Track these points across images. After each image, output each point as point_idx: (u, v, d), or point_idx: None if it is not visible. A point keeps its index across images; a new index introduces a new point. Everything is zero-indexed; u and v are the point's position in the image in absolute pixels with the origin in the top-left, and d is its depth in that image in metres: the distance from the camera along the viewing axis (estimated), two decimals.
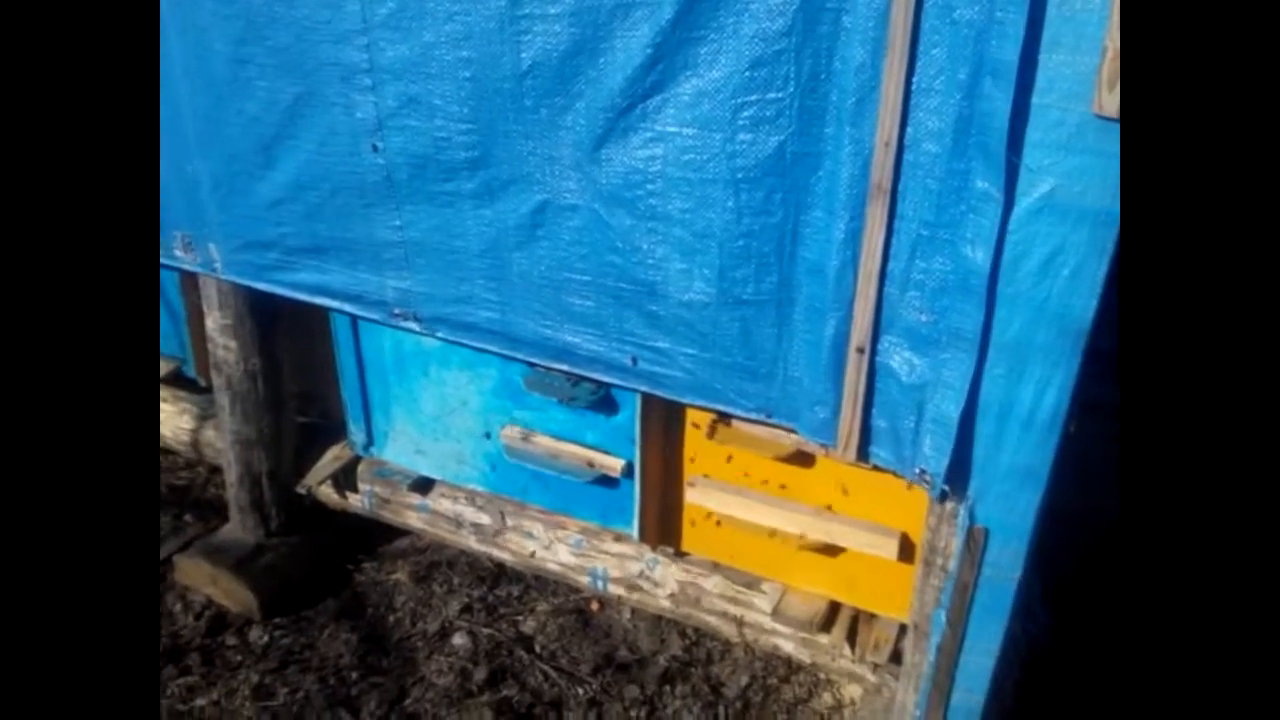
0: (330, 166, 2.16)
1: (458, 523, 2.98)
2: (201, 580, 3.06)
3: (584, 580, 2.84)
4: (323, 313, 2.67)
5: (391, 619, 3.05)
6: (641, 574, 2.73)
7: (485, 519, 2.93)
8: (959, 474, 1.77)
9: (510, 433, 2.72)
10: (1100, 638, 2.88)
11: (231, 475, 3.05)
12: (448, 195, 2.07)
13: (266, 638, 2.95)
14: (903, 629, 2.42)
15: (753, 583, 2.62)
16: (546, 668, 2.85)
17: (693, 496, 2.53)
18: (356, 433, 3.06)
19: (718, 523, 2.58)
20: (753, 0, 1.60)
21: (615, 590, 2.80)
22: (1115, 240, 1.48)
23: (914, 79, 1.54)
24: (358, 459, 3.11)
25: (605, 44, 1.74)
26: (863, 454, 1.91)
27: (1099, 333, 1.57)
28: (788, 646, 2.62)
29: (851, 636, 2.50)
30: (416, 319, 2.28)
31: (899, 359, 1.78)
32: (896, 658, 2.40)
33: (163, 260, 2.57)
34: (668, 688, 2.80)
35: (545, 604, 3.09)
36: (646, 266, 1.93)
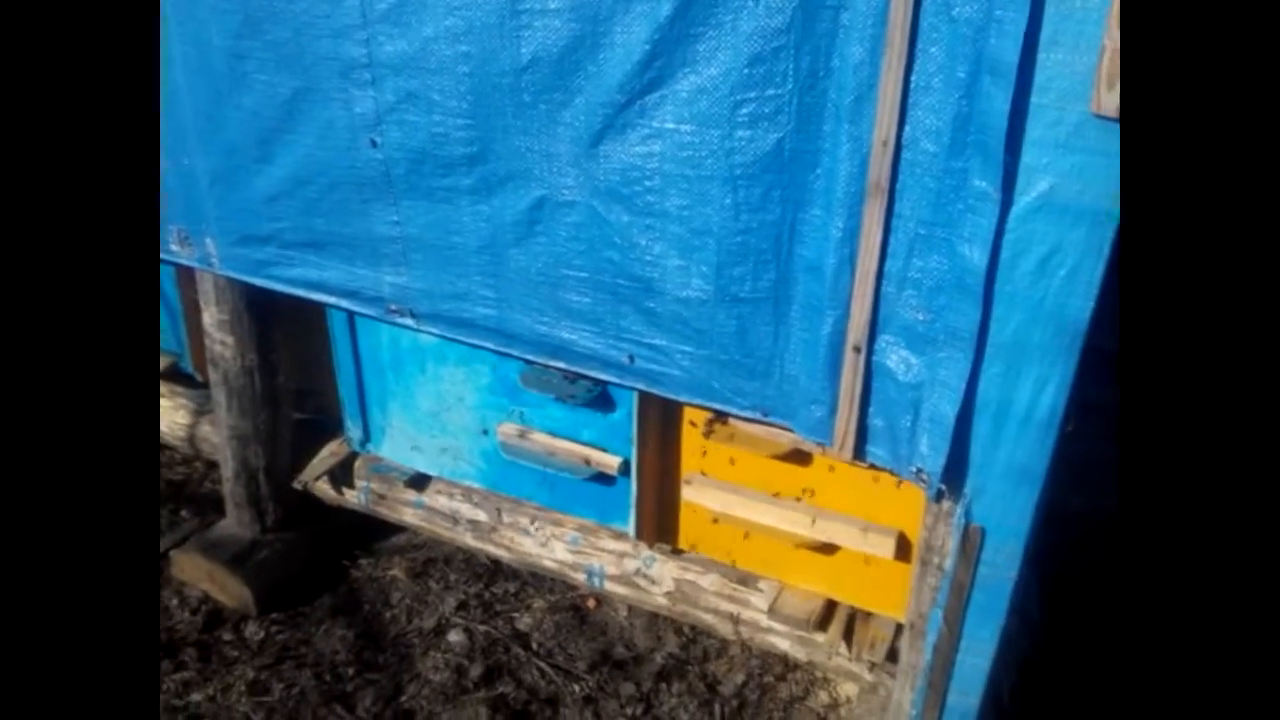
0: (328, 161, 2.15)
1: (454, 519, 2.97)
2: (198, 575, 3.06)
3: (580, 577, 2.83)
4: (320, 309, 2.67)
5: (387, 615, 3.05)
6: (638, 571, 2.73)
7: (481, 515, 2.93)
8: (955, 473, 1.77)
9: (507, 429, 2.71)
10: (1098, 639, 2.88)
11: (228, 471, 3.04)
12: (445, 190, 2.06)
13: (262, 633, 2.95)
14: (899, 628, 2.42)
15: (749, 580, 2.62)
16: (542, 665, 2.85)
17: (689, 494, 2.53)
18: (353, 429, 3.05)
19: (714, 520, 2.57)
20: None
21: (612, 587, 2.80)
22: (1113, 240, 1.47)
23: (912, 77, 1.53)
24: (354, 455, 3.11)
25: (604, 40, 1.74)
26: (859, 453, 1.91)
27: (1098, 332, 1.57)
28: (784, 644, 2.61)
29: (848, 635, 2.50)
30: (412, 315, 2.28)
31: (896, 358, 1.78)
32: (893, 656, 2.40)
33: (161, 255, 2.57)
34: (664, 685, 2.80)
35: (541, 601, 3.09)
36: (644, 263, 1.93)
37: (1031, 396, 1.64)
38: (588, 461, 2.60)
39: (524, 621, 3.02)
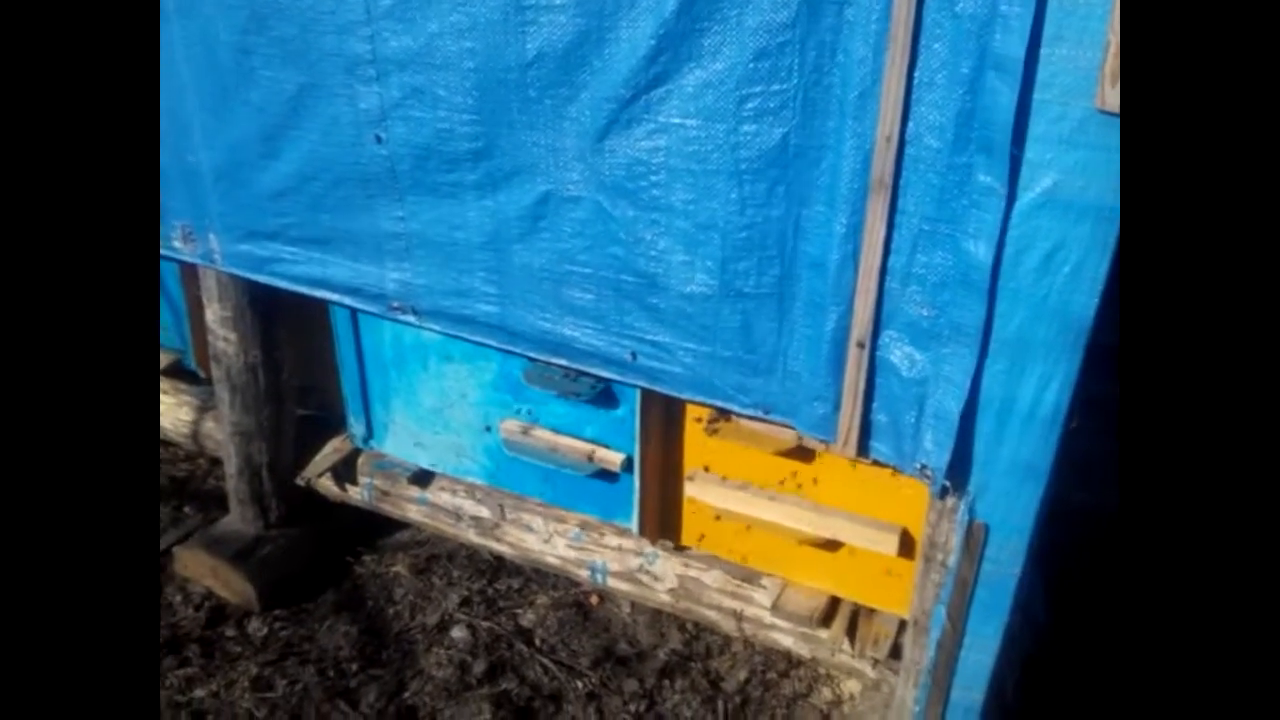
0: (333, 157, 2.15)
1: (457, 516, 2.97)
2: (201, 572, 3.06)
3: (583, 574, 2.83)
4: (323, 305, 2.67)
5: (391, 611, 3.05)
6: (641, 568, 2.73)
7: (485, 512, 2.93)
8: (959, 470, 1.77)
9: (510, 426, 2.71)
10: (1102, 635, 2.88)
11: (231, 467, 3.05)
12: (450, 186, 2.06)
13: (265, 629, 2.95)
14: (903, 624, 2.42)
15: (752, 577, 2.62)
16: (546, 661, 2.85)
17: (692, 491, 2.53)
18: (356, 425, 3.05)
19: (717, 517, 2.57)
20: None
21: (615, 584, 2.80)
22: (1117, 236, 1.47)
23: (916, 73, 1.53)
24: (357, 451, 3.11)
25: (610, 35, 1.74)
26: (862, 449, 1.91)
27: (1102, 328, 1.56)
28: (787, 641, 2.61)
29: (851, 631, 2.50)
30: (415, 312, 2.28)
31: (899, 354, 1.77)
32: (896, 653, 2.40)
33: (163, 252, 2.57)
34: (667, 682, 2.80)
35: (545, 597, 3.09)
36: (649, 258, 1.92)
37: (1035, 393, 1.64)
38: (591, 458, 2.60)
39: (527, 618, 3.02)
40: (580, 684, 2.78)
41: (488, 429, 2.80)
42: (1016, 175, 1.49)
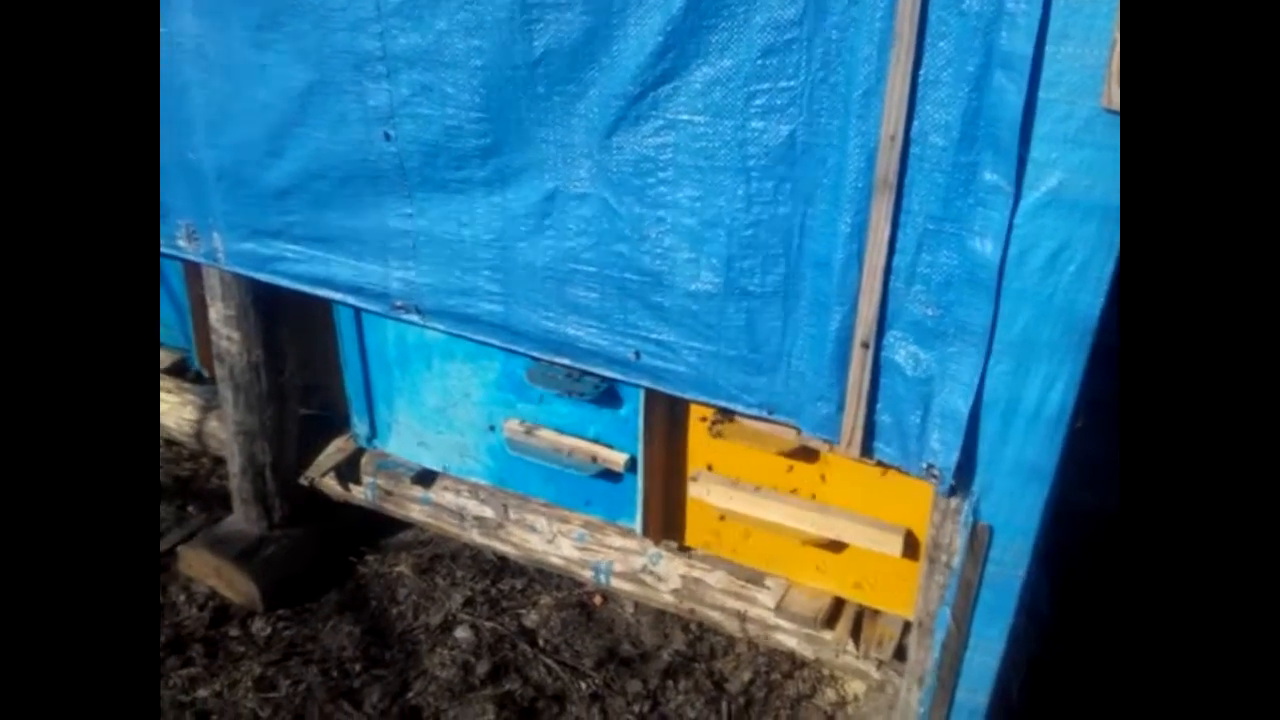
0: (341, 154, 2.15)
1: (461, 516, 2.97)
2: (205, 571, 3.06)
3: (587, 574, 2.83)
4: (326, 305, 2.67)
5: (394, 611, 3.05)
6: (644, 568, 2.72)
7: (488, 512, 2.93)
8: (964, 470, 1.76)
9: (513, 426, 2.71)
10: (1108, 637, 2.87)
11: (235, 467, 3.05)
12: (459, 183, 2.06)
13: (269, 629, 2.95)
14: (907, 625, 2.41)
15: (756, 578, 2.61)
16: (549, 661, 2.85)
17: (696, 491, 2.52)
18: (359, 425, 3.05)
19: (721, 518, 2.57)
20: None
21: (618, 584, 2.79)
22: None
23: (921, 71, 1.52)
24: (361, 451, 3.11)
25: (619, 31, 1.74)
26: (867, 450, 1.90)
27: (1108, 328, 1.55)
28: (791, 642, 2.61)
29: (856, 632, 2.49)
30: (418, 311, 2.28)
31: (904, 353, 1.77)
32: (901, 654, 2.39)
33: (166, 250, 2.57)
34: (670, 682, 2.79)
35: (548, 598, 3.09)
36: (654, 256, 1.92)
37: (1040, 394, 1.63)
38: (594, 458, 2.60)
39: (531, 618, 3.01)
40: (584, 685, 2.77)
41: (491, 429, 2.80)
42: (1022, 174, 1.48)
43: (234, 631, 2.94)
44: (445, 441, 2.92)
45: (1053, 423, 1.65)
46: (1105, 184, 1.43)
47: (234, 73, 2.18)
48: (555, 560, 2.87)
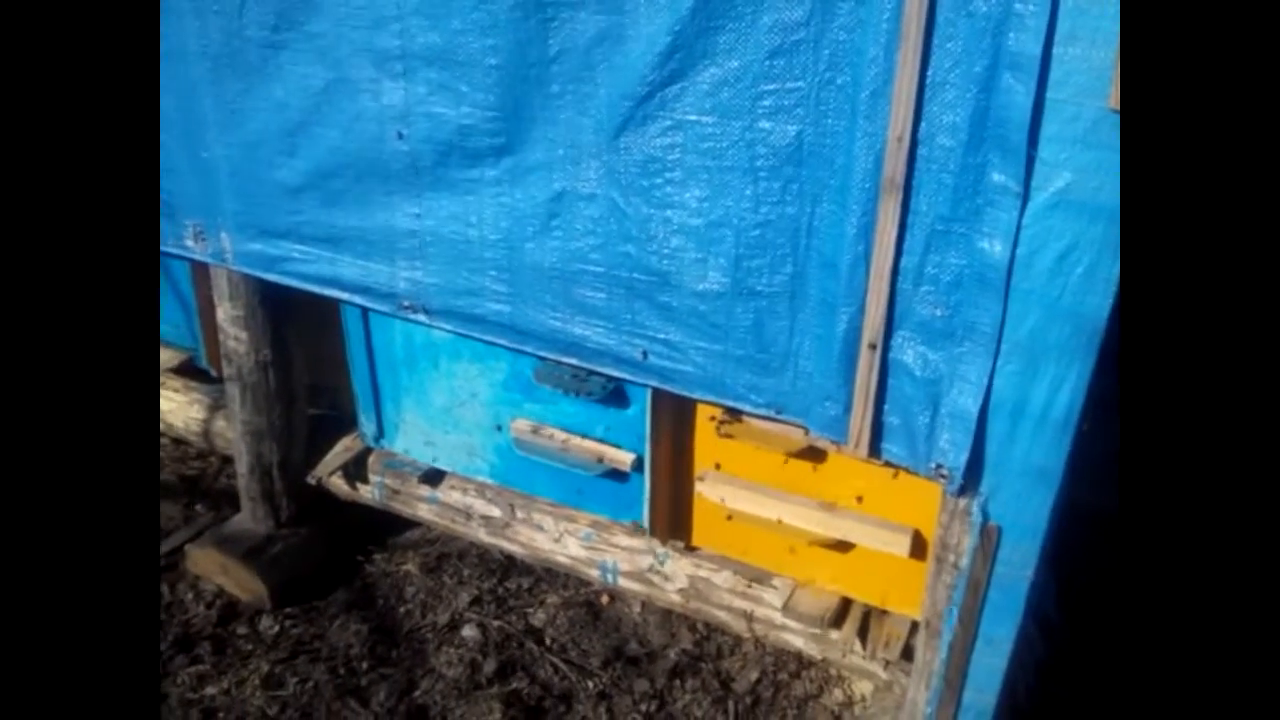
0: (354, 153, 2.15)
1: (468, 515, 2.98)
2: (212, 570, 3.07)
3: (594, 573, 2.83)
4: (334, 304, 2.67)
5: (401, 610, 3.05)
6: (651, 568, 2.72)
7: (495, 511, 2.93)
8: (972, 471, 1.76)
9: (520, 425, 2.71)
10: (1116, 638, 2.86)
11: (242, 466, 3.05)
12: (470, 182, 2.06)
13: (277, 627, 2.95)
14: (915, 626, 2.41)
15: (763, 578, 2.61)
16: (556, 660, 2.85)
17: (703, 491, 2.52)
18: (367, 424, 3.06)
19: (728, 517, 2.57)
20: None
21: (625, 584, 2.79)
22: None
23: (929, 72, 1.52)
24: (368, 450, 3.11)
25: (630, 31, 1.74)
26: (874, 450, 1.90)
27: (1116, 329, 1.55)
28: (798, 642, 2.60)
29: (863, 632, 2.49)
30: (425, 311, 2.28)
31: (912, 354, 1.77)
32: (908, 654, 2.39)
33: (173, 250, 2.57)
34: (677, 682, 2.80)
35: (555, 597, 3.09)
36: (661, 256, 1.92)
37: (1048, 395, 1.63)
38: (601, 458, 2.60)
39: (538, 617, 3.02)
40: (591, 684, 2.77)
41: (498, 428, 2.80)
42: (1030, 175, 1.48)
43: (242, 630, 2.95)
44: (452, 441, 2.93)
45: (1061, 424, 1.65)
46: (1113, 185, 1.43)
47: (248, 71, 2.18)
48: (562, 559, 2.87)
